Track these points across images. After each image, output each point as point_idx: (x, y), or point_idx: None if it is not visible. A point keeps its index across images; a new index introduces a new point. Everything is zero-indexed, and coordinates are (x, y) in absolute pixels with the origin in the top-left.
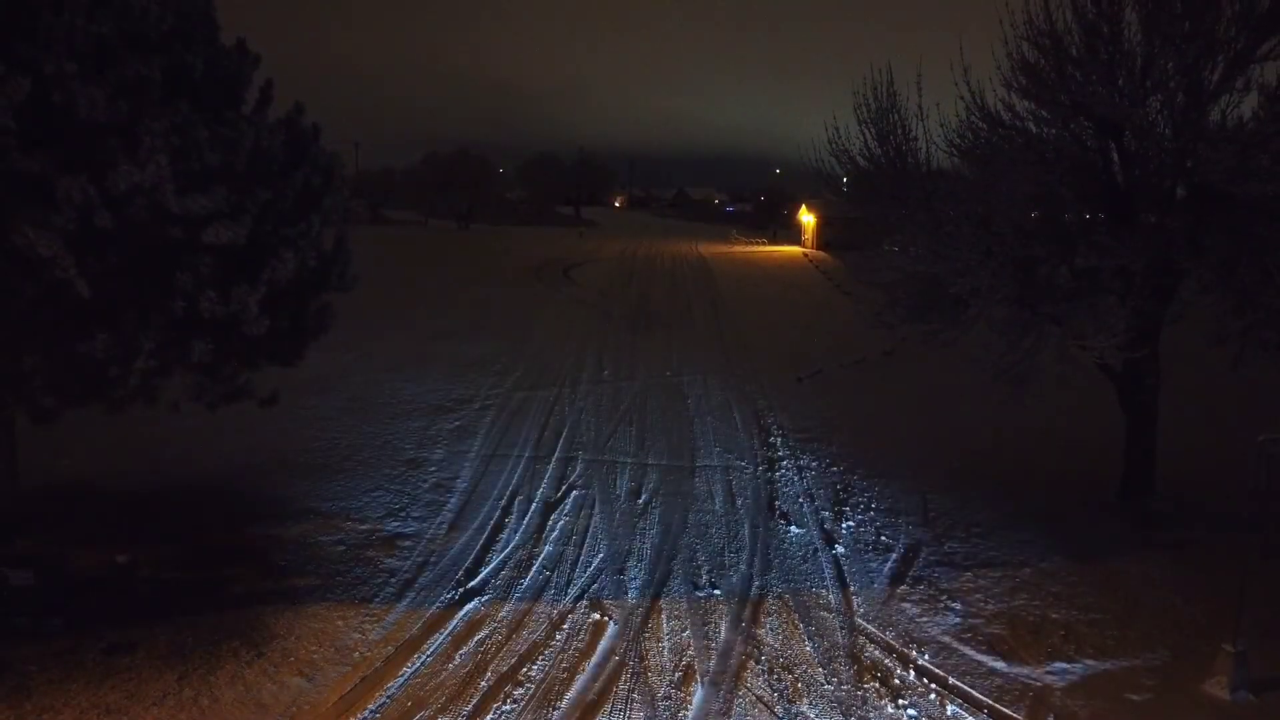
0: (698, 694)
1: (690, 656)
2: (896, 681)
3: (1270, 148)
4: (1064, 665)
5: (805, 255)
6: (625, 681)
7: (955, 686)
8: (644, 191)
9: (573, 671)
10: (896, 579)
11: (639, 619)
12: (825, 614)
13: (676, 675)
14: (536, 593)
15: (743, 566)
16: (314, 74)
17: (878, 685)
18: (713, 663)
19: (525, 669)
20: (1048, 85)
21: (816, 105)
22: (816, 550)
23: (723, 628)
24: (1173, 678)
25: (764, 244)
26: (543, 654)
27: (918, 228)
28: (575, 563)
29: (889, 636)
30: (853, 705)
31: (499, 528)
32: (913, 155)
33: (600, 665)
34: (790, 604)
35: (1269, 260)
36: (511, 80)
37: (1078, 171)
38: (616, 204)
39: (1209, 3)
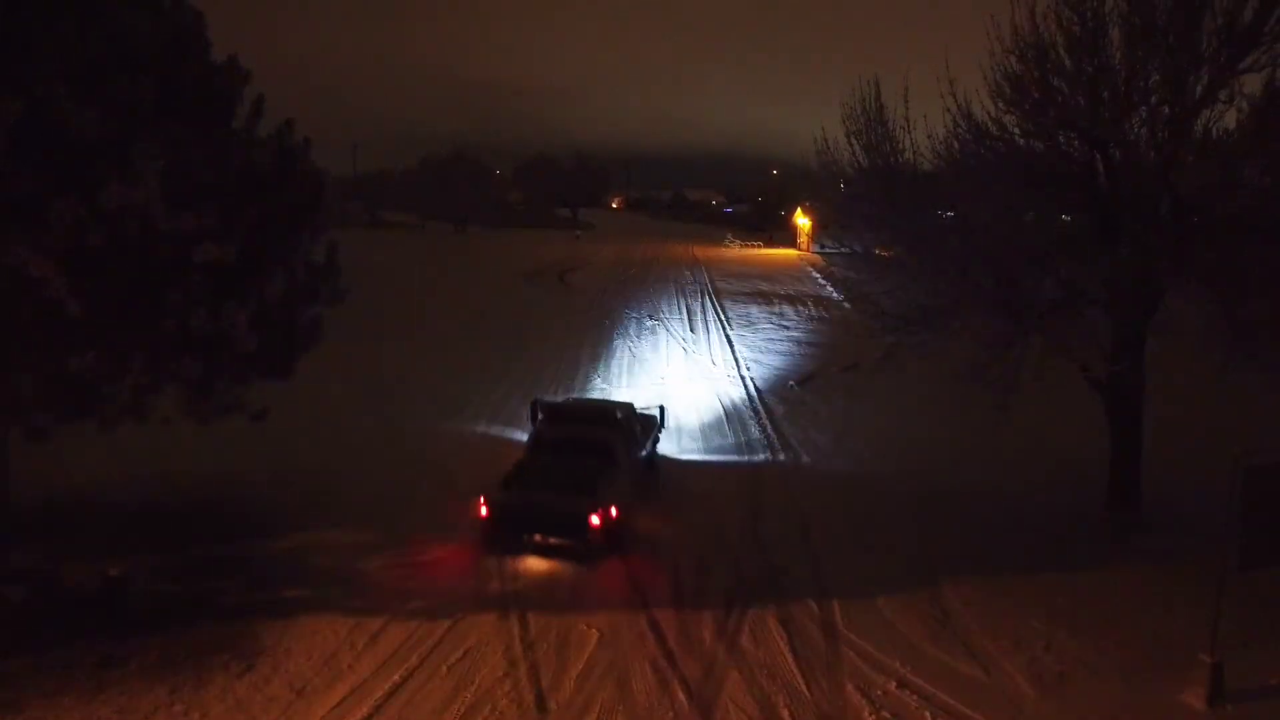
0: None
1: None
2: (879, 693)
3: (1253, 159)
4: (1043, 675)
5: (801, 259)
6: None
7: (933, 695)
8: (641, 194)
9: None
10: (878, 586)
11: None
12: (808, 622)
13: None
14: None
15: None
16: (312, 76)
17: (858, 696)
18: None
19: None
20: (1033, 98)
21: (815, 106)
22: (797, 541)
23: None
24: (1150, 688)
25: (760, 247)
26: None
27: (901, 239)
28: None
29: (869, 645)
30: (834, 714)
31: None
32: (899, 169)
33: None
34: (775, 613)
35: (1250, 274)
36: (509, 81)
37: (1063, 183)
38: (614, 206)
39: (1192, 17)
